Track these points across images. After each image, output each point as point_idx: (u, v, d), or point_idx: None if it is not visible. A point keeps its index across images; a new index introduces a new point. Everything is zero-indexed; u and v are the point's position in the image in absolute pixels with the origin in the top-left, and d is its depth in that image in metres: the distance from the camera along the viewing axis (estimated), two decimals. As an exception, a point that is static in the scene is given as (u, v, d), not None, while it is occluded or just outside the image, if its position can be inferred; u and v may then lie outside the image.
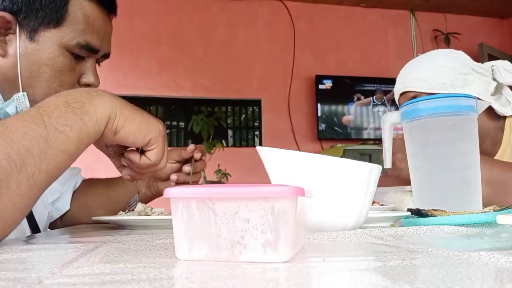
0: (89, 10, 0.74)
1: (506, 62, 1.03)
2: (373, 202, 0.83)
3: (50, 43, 0.71)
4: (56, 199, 0.94)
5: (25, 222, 0.79)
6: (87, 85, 0.77)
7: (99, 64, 0.82)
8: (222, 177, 2.96)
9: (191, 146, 0.88)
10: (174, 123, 3.84)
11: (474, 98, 0.71)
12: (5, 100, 0.72)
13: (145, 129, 0.57)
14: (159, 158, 0.62)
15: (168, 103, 3.79)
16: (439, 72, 1.02)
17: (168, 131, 3.85)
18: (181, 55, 3.67)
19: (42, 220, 0.88)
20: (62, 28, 0.72)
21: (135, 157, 0.62)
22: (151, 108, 3.82)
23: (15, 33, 0.71)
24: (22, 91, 0.71)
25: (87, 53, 0.75)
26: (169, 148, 0.88)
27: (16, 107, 0.72)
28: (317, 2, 4.14)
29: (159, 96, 3.66)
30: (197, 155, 0.86)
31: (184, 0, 3.80)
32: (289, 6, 4.06)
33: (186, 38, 3.73)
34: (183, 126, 3.81)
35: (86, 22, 0.74)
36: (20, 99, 0.71)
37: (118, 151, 0.65)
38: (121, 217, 0.78)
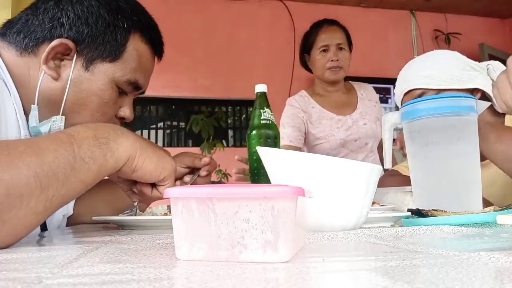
0: (142, 51, 0.79)
1: (497, 62, 1.06)
2: (373, 203, 0.83)
3: (103, 75, 0.74)
4: None
5: None
6: (122, 118, 0.81)
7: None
8: (222, 177, 2.97)
9: (207, 159, 0.88)
10: (174, 123, 3.85)
11: (474, 98, 0.71)
12: (40, 120, 0.74)
13: (160, 168, 0.61)
14: None
15: (168, 103, 3.79)
16: (444, 68, 1.04)
17: (168, 131, 3.85)
18: (181, 55, 3.67)
19: (56, 220, 0.88)
20: (116, 64, 0.75)
21: (147, 190, 0.66)
22: (151, 108, 3.82)
23: (71, 59, 0.73)
24: (62, 115, 0.73)
25: (132, 90, 0.79)
26: (183, 152, 0.90)
27: (50, 128, 0.74)
28: (317, 2, 4.14)
29: (159, 96, 3.65)
30: (203, 173, 0.87)
31: (184, 0, 3.80)
32: (289, 6, 4.06)
33: (187, 38, 3.73)
34: (183, 126, 3.81)
35: (138, 61, 0.78)
36: (57, 122, 0.74)
37: (127, 179, 0.68)
38: (121, 217, 0.78)
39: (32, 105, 0.73)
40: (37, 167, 0.45)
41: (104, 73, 0.74)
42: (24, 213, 0.44)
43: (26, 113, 0.75)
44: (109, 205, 0.98)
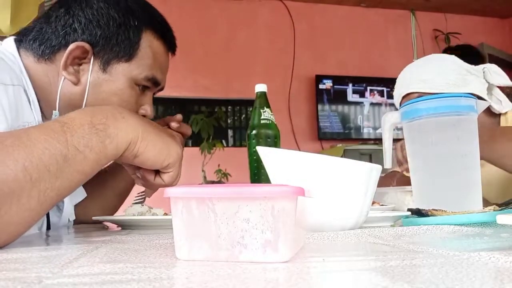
0: (156, 47, 0.79)
1: (494, 65, 1.12)
2: (373, 203, 0.83)
3: (121, 75, 0.75)
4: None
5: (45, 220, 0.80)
6: (143, 116, 0.80)
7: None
8: (222, 177, 2.96)
9: (180, 116, 0.92)
10: (174, 123, 3.84)
11: (474, 98, 0.71)
12: None
13: (164, 154, 0.58)
14: (173, 181, 0.62)
15: (168, 103, 3.79)
16: (440, 73, 1.09)
17: (168, 131, 3.85)
18: (181, 55, 3.65)
19: (62, 224, 0.88)
20: (132, 62, 0.76)
21: (150, 176, 0.63)
22: (151, 108, 3.82)
23: (89, 62, 0.74)
24: None
25: (151, 85, 0.80)
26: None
27: None
28: (317, 2, 4.14)
29: (159, 96, 3.64)
30: (174, 125, 0.88)
31: (184, 0, 3.80)
32: (289, 6, 4.06)
33: (187, 38, 3.73)
34: (183, 126, 3.81)
35: (153, 58, 0.78)
36: None
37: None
38: (121, 217, 0.78)
39: (53, 111, 0.74)
40: (25, 161, 0.43)
41: (122, 73, 0.75)
42: (16, 210, 0.42)
43: (46, 119, 0.75)
44: (107, 196, 0.98)
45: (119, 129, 0.53)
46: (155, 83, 0.80)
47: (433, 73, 1.10)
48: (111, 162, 0.98)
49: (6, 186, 0.42)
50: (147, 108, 0.81)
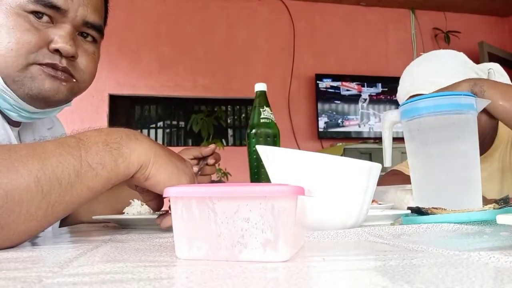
0: None
1: (497, 65, 1.11)
2: (372, 201, 0.83)
3: (5, 5, 0.70)
4: None
5: None
6: (56, 50, 0.73)
7: (84, 36, 0.77)
8: (222, 176, 2.97)
9: (213, 146, 0.90)
10: (174, 122, 3.85)
11: (474, 96, 0.72)
12: None
13: (175, 180, 0.57)
14: None
15: (168, 103, 3.79)
16: (450, 75, 1.06)
17: (168, 130, 3.85)
18: (181, 55, 3.67)
19: None
20: None
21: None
22: (151, 107, 3.82)
23: None
24: None
25: (44, 9, 0.71)
26: (187, 148, 0.89)
27: None
28: (317, 1, 4.14)
29: (159, 95, 3.65)
30: (211, 161, 0.87)
31: (184, 0, 3.80)
32: (289, 5, 4.06)
33: (186, 38, 3.73)
34: (183, 126, 3.81)
35: None
36: None
37: (146, 189, 0.63)
38: (121, 216, 0.78)
39: None
40: (38, 172, 0.43)
41: (6, 2, 0.69)
42: (24, 219, 0.43)
43: None
44: (109, 206, 0.97)
45: (132, 150, 0.53)
46: (53, 7, 0.71)
47: (443, 75, 1.07)
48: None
49: (17, 194, 0.42)
50: (58, 40, 0.71)
